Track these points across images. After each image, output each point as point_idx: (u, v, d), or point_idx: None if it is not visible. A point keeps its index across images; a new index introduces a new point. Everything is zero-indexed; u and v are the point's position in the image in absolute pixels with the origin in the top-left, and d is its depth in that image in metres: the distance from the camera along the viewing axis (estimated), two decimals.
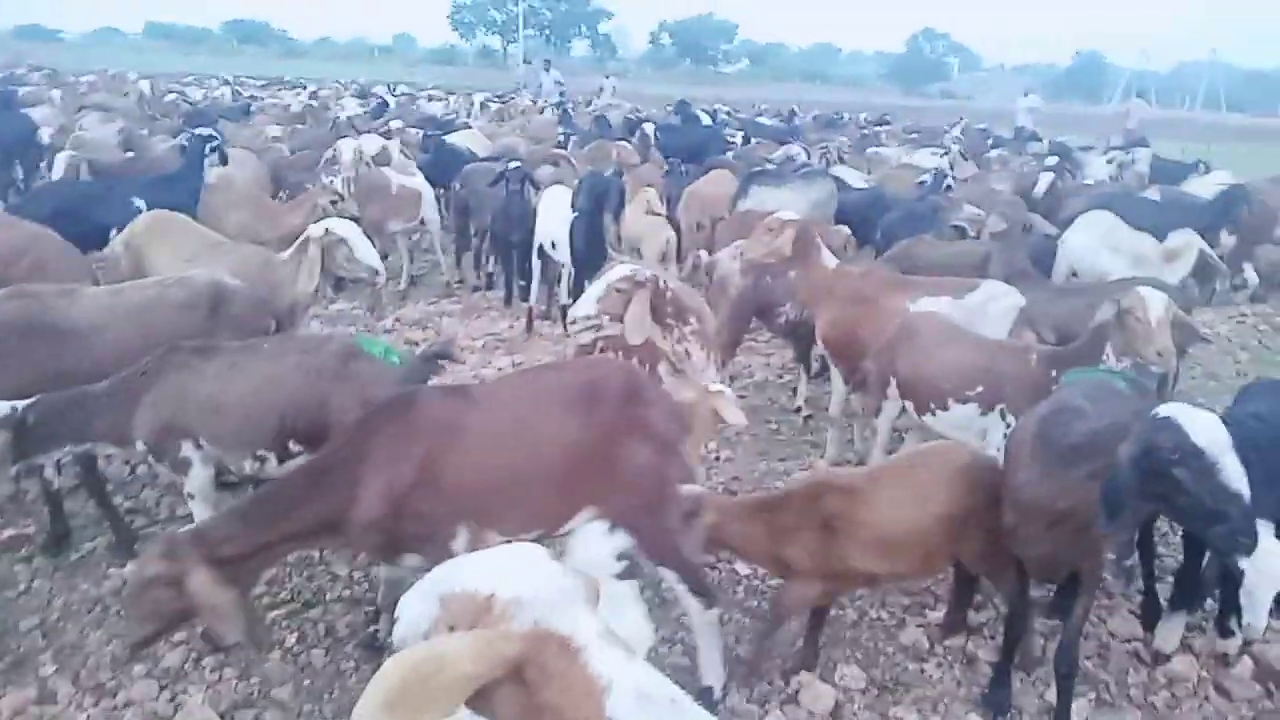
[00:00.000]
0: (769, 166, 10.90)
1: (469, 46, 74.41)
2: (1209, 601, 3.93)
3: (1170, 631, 3.80)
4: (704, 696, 3.26)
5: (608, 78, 26.98)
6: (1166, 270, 7.25)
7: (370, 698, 1.66)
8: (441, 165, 10.65)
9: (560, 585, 2.21)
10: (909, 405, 4.52)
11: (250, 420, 3.73)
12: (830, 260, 5.28)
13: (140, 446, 3.75)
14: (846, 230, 7.59)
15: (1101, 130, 23.36)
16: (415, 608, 1.97)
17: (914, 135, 19.41)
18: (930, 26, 79.09)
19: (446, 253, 9.67)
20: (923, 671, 3.68)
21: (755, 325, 6.68)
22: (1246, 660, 3.72)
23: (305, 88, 25.51)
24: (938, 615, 3.98)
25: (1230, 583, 3.40)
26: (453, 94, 25.03)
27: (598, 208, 6.88)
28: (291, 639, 3.75)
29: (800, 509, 3.42)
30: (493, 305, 8.78)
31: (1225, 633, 3.78)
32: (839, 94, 44.59)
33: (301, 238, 5.29)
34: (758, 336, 7.71)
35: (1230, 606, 3.71)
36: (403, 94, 24.71)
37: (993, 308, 4.76)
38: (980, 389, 4.21)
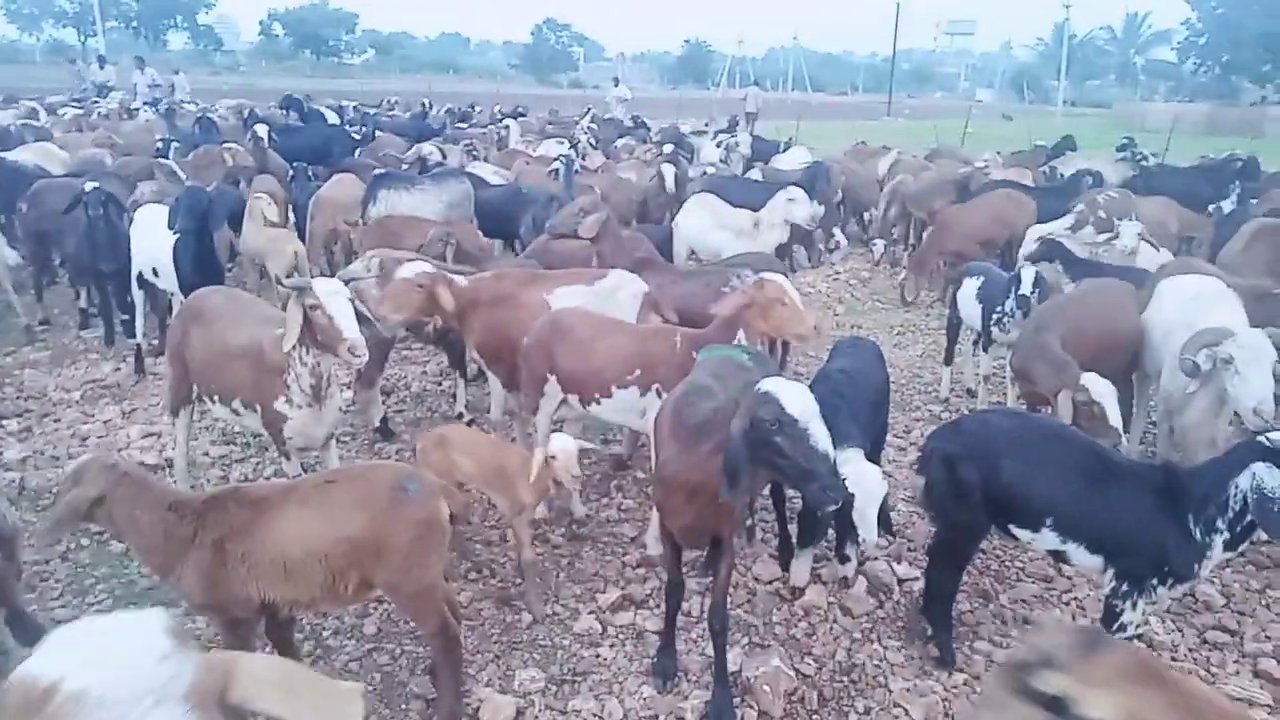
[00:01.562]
0: (402, 169, 10.57)
1: (35, 43, 63.83)
2: (829, 534, 4.48)
3: (801, 567, 4.28)
4: None
5: (176, 73, 23.86)
6: (766, 238, 8.16)
7: None
8: (3, 187, 8.95)
9: (153, 676, 1.85)
10: (573, 398, 4.61)
11: None
12: (460, 280, 5.13)
13: None
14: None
15: (712, 112, 25.72)
16: None
17: (550, 126, 19.93)
18: (552, 17, 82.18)
19: (23, 291, 8.14)
20: (598, 656, 3.78)
21: (405, 335, 6.46)
22: (861, 580, 4.30)
23: None
24: (609, 598, 4.12)
25: (843, 514, 3.86)
26: (18, 100, 21.16)
27: (203, 225, 6.15)
28: None
29: (200, 518, 2.95)
30: (91, 347, 7.58)
31: (843, 559, 4.34)
32: (471, 85, 44.74)
33: None
34: (411, 345, 7.46)
35: (844, 535, 4.27)
36: None
37: (621, 295, 5.01)
38: (638, 373, 4.41)
